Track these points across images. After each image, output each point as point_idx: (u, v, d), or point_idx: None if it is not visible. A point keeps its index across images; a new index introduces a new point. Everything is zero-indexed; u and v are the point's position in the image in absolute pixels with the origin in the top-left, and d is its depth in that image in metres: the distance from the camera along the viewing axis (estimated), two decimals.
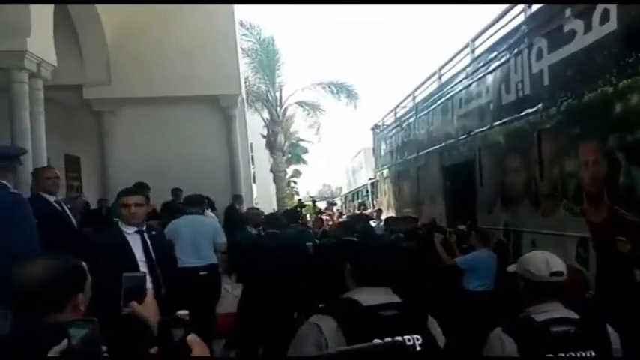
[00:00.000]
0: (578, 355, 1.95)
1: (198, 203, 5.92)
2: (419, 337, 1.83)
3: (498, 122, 5.59)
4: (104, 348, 1.26)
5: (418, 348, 1.82)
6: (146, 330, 1.57)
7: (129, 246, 3.32)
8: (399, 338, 1.79)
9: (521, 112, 5.07)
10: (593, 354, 1.96)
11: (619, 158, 3.71)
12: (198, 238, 5.50)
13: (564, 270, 2.14)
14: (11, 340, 1.46)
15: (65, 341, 1.22)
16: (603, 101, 3.86)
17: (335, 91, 18.91)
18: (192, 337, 1.23)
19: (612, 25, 3.73)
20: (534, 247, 4.51)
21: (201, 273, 5.36)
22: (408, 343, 1.81)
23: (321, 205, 22.61)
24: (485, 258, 5.14)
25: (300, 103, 20.16)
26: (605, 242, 3.89)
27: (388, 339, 1.77)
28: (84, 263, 1.64)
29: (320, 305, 1.99)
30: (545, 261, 2.14)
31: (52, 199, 3.96)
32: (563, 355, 1.95)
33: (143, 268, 3.19)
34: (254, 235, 5.99)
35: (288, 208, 17.06)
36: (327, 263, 4.61)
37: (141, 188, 5.12)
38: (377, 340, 1.76)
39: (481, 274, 5.06)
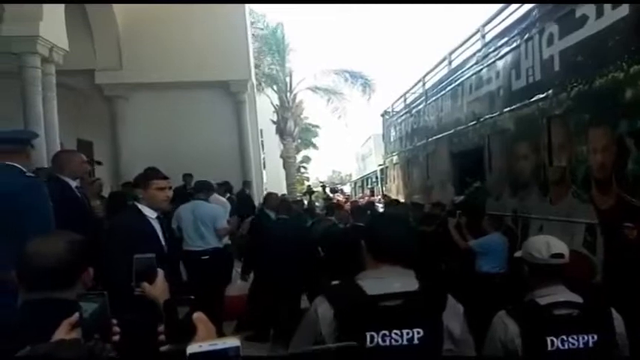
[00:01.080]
0: (581, 338, 1.96)
1: (204, 189, 6.04)
2: (420, 330, 1.77)
3: (508, 108, 5.57)
4: (114, 321, 1.29)
5: (415, 342, 1.76)
6: (156, 310, 1.58)
7: (156, 232, 3.24)
8: (396, 332, 1.75)
9: (532, 98, 5.04)
10: (596, 337, 1.96)
11: (628, 145, 3.69)
12: (200, 223, 5.64)
13: (566, 252, 2.15)
14: (22, 316, 1.50)
15: (76, 314, 1.26)
16: (614, 87, 3.83)
17: (349, 78, 18.77)
18: (197, 316, 1.25)
19: (624, 10, 3.69)
20: (542, 233, 4.51)
21: (203, 257, 5.48)
22: (407, 337, 1.75)
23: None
24: (497, 241, 5.21)
25: (313, 89, 20.01)
26: (612, 228, 3.89)
27: (384, 332, 1.75)
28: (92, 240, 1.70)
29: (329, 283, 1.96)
30: (546, 244, 2.16)
31: (73, 183, 3.97)
32: (565, 337, 1.95)
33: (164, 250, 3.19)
34: (273, 220, 6.06)
35: (299, 194, 17.14)
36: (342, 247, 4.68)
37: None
38: (371, 334, 1.74)
39: (494, 256, 5.12)
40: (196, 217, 5.65)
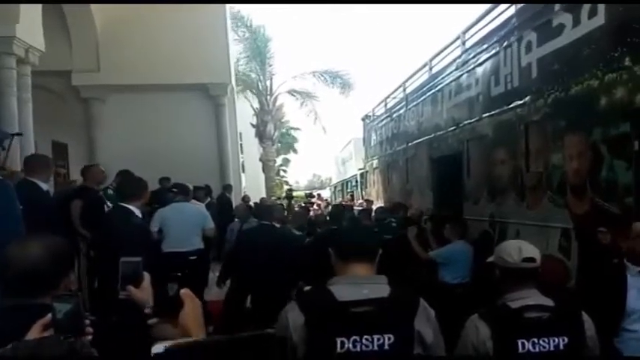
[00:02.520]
0: (552, 340, 1.99)
1: (184, 192, 6.02)
2: (391, 336, 1.78)
3: (487, 114, 5.64)
4: (87, 322, 1.31)
5: (386, 347, 1.77)
6: (142, 313, 1.60)
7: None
8: (367, 337, 1.76)
9: (510, 105, 5.12)
10: (566, 340, 2.00)
11: (603, 151, 3.77)
12: (186, 225, 5.60)
13: (537, 257, 2.19)
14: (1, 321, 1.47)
15: (49, 315, 1.27)
16: (589, 95, 3.91)
17: (329, 80, 18.81)
18: (185, 291, 1.31)
19: (600, 19, 3.77)
20: (519, 237, 4.57)
21: (190, 258, 5.48)
22: (377, 343, 1.77)
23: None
24: (460, 250, 5.15)
25: (291, 92, 20.04)
26: (587, 233, 3.97)
27: (355, 337, 1.76)
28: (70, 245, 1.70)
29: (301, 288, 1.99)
30: (517, 248, 2.20)
31: (44, 186, 3.93)
32: (536, 340, 1.98)
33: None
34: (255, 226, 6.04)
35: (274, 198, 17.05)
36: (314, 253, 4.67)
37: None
38: (340, 339, 1.75)
39: (457, 266, 5.07)
40: (183, 219, 5.64)
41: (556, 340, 1.99)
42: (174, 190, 6.19)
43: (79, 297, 1.31)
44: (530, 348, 1.98)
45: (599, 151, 3.80)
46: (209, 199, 8.37)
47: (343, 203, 11.18)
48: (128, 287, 1.65)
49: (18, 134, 5.89)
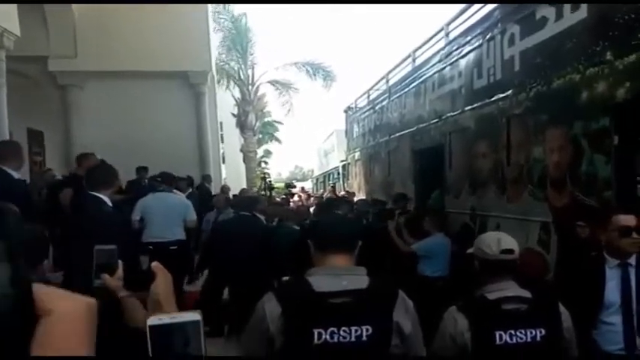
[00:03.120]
0: (529, 332, 2.01)
1: (168, 181, 5.96)
2: (369, 327, 1.78)
3: (469, 107, 5.64)
4: None
5: (364, 339, 1.77)
6: (117, 301, 1.59)
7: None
8: (344, 329, 1.76)
9: (492, 98, 5.12)
10: (543, 332, 2.02)
11: (583, 145, 3.79)
12: (169, 215, 5.56)
13: (516, 248, 2.20)
14: None
15: None
16: (570, 89, 3.92)
17: (311, 71, 18.68)
18: (155, 264, 1.31)
19: (583, 13, 3.78)
20: (499, 230, 4.59)
21: (171, 248, 5.44)
22: (355, 334, 1.77)
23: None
24: (440, 243, 5.16)
25: (272, 82, 19.89)
26: (566, 227, 4.00)
27: (332, 329, 1.75)
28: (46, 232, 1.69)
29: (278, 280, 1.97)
30: (496, 240, 2.20)
31: (15, 174, 3.82)
32: (513, 332, 2.00)
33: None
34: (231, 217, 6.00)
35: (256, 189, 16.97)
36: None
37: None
38: (318, 330, 1.74)
39: (437, 259, 5.08)
40: (166, 209, 5.59)
41: (533, 331, 2.01)
42: (159, 179, 6.12)
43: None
44: (508, 339, 2.00)
45: (580, 145, 3.82)
46: (190, 189, 8.26)
47: (341, 195, 11.11)
48: (103, 275, 1.63)
49: None
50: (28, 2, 6.96)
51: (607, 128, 3.57)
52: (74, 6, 9.91)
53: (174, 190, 6.56)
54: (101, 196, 3.42)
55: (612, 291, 2.71)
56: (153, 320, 0.98)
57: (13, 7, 6.64)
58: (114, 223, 3.42)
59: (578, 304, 2.25)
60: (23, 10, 6.99)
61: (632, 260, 2.71)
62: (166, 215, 5.64)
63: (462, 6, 6.16)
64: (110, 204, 3.50)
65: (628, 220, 2.74)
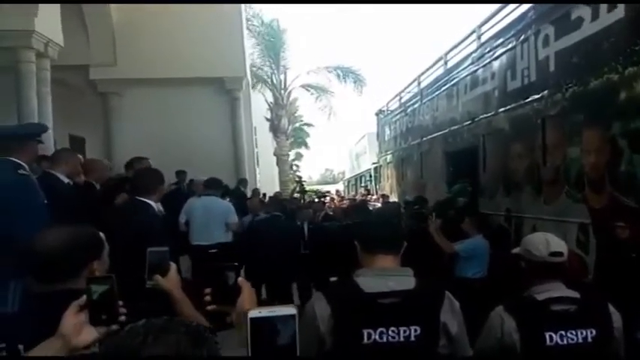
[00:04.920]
0: (580, 333, 1.97)
1: (215, 185, 6.10)
2: (417, 328, 1.79)
3: (503, 108, 5.61)
4: (120, 303, 1.35)
5: (412, 339, 1.79)
6: (169, 302, 1.66)
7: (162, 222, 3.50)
8: (393, 329, 1.78)
9: (527, 99, 5.08)
10: (594, 332, 1.98)
11: (621, 145, 3.74)
12: (210, 219, 5.68)
13: (564, 250, 2.17)
14: (27, 309, 1.55)
15: (84, 296, 1.31)
16: (608, 89, 3.87)
17: (342, 75, 18.74)
18: (241, 280, 1.40)
19: (620, 13, 3.73)
20: (535, 232, 4.55)
21: (210, 251, 5.56)
22: (404, 334, 1.78)
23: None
24: (481, 245, 5.13)
25: (305, 87, 20.02)
26: (605, 228, 3.94)
27: (381, 329, 1.77)
28: (101, 233, 1.75)
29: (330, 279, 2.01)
30: (545, 241, 2.18)
31: (65, 179, 4.00)
32: (563, 333, 1.97)
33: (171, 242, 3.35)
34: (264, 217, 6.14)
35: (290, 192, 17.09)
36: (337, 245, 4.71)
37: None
38: (367, 331, 1.77)
39: (477, 261, 5.06)
40: (207, 213, 5.73)
41: (584, 332, 1.98)
42: (206, 184, 6.27)
43: (114, 279, 1.35)
44: (559, 340, 1.97)
45: (618, 145, 3.76)
46: (227, 198, 8.38)
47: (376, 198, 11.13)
48: (155, 276, 1.69)
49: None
50: (64, 2, 7.20)
51: None
52: (114, 15, 10.24)
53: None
54: (148, 201, 3.48)
55: None
56: (253, 313, 1.06)
57: (57, 17, 6.93)
58: (160, 227, 3.48)
59: (624, 304, 2.22)
60: (65, 20, 7.28)
61: None
62: (208, 218, 5.77)
63: (493, 8, 6.13)
64: (157, 209, 3.57)
65: None
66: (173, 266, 1.75)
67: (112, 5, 10.14)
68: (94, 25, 10.26)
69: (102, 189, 4.84)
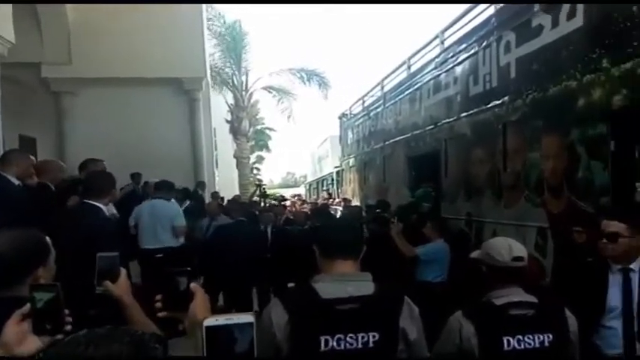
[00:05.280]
0: (537, 337, 1.99)
1: (165, 188, 5.95)
2: (375, 334, 1.78)
3: (465, 113, 5.68)
4: (66, 312, 1.32)
5: (371, 345, 1.77)
6: (119, 308, 1.63)
7: (114, 226, 3.44)
8: (351, 335, 1.76)
9: (488, 104, 5.15)
10: (551, 337, 2.00)
11: (579, 151, 3.82)
12: (157, 222, 5.55)
13: (525, 256, 2.18)
14: None
15: (28, 305, 1.27)
16: (567, 96, 3.96)
17: (306, 77, 18.68)
18: (194, 285, 1.37)
19: (578, 21, 3.82)
20: (495, 236, 4.60)
21: (157, 256, 5.43)
22: (362, 340, 1.77)
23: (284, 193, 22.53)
24: (441, 249, 5.16)
25: (267, 88, 19.88)
26: (562, 232, 4.02)
27: (339, 336, 1.75)
28: (47, 238, 1.70)
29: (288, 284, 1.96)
30: (507, 247, 2.18)
31: (16, 181, 3.80)
32: (521, 337, 1.98)
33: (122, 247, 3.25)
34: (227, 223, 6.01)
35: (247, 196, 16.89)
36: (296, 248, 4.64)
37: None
38: (325, 337, 1.74)
39: (438, 265, 5.08)
40: (154, 216, 5.57)
41: (541, 336, 1.99)
42: (157, 186, 6.13)
43: (59, 287, 1.31)
44: (516, 345, 1.98)
45: (577, 151, 3.85)
46: (188, 201, 8.17)
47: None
48: (105, 282, 1.65)
49: None
50: (19, 2, 6.87)
51: (604, 134, 3.60)
52: (68, 12, 9.86)
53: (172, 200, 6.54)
54: (99, 204, 3.39)
55: (614, 296, 2.72)
56: (209, 321, 1.02)
57: (8, 13, 6.58)
58: (111, 231, 3.40)
59: (580, 308, 2.25)
60: (17, 16, 6.92)
61: (635, 265, 2.72)
62: (154, 222, 5.64)
63: (457, 13, 6.21)
64: (107, 213, 3.49)
65: (611, 225, 2.73)
66: (123, 272, 1.71)
67: (68, 4, 9.74)
68: (48, 24, 9.83)
69: (55, 191, 4.64)
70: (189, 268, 1.43)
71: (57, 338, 1.25)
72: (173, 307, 1.37)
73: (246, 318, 1.05)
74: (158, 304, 1.40)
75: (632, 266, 2.72)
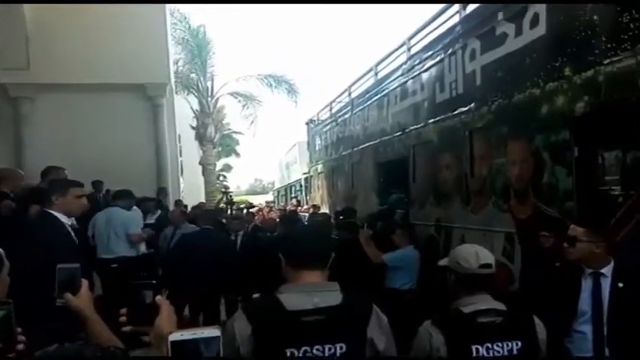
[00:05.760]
0: (505, 345, 1.99)
1: (124, 197, 5.81)
2: (343, 345, 1.75)
3: (432, 120, 5.72)
4: (19, 330, 1.28)
5: (338, 356, 1.74)
6: (80, 321, 1.57)
7: (73, 239, 3.28)
8: (318, 347, 1.73)
9: (454, 111, 5.20)
10: (519, 344, 2.00)
11: (544, 157, 3.89)
12: (112, 231, 5.43)
13: (493, 263, 2.18)
14: None
15: None
16: (531, 103, 4.03)
17: (273, 84, 18.57)
18: (159, 298, 1.33)
19: (541, 29, 3.89)
20: (463, 242, 4.63)
21: (112, 265, 5.30)
22: (329, 352, 1.73)
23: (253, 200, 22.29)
24: (410, 255, 5.15)
25: (233, 94, 19.68)
26: (529, 237, 4.07)
27: (305, 348, 1.72)
28: (1, 250, 1.64)
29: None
30: (474, 254, 2.17)
31: None
32: (490, 345, 1.97)
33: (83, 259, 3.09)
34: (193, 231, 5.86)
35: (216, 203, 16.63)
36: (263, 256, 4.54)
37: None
38: (290, 350, 1.71)
39: (407, 272, 5.07)
40: (109, 225, 5.42)
41: (510, 344, 1.99)
42: (115, 195, 5.97)
43: (11, 305, 1.27)
44: (484, 353, 1.97)
45: (541, 157, 3.91)
46: (159, 211, 7.95)
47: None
48: (65, 295, 1.59)
49: None
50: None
51: (567, 141, 3.67)
52: (27, 17, 9.53)
53: (135, 208, 6.37)
54: (55, 213, 3.26)
55: (584, 300, 2.76)
56: (175, 336, 1.01)
57: None
58: (70, 241, 3.28)
59: (553, 312, 2.26)
60: None
61: (606, 270, 2.76)
62: (109, 231, 5.53)
63: (423, 20, 6.27)
64: (66, 222, 3.33)
65: (571, 229, 2.81)
66: (85, 283, 1.65)
67: (25, 5, 9.41)
68: (4, 26, 9.47)
69: (14, 199, 4.46)
70: (154, 282, 1.40)
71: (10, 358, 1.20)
72: (138, 320, 1.33)
73: (212, 332, 1.03)
74: (123, 318, 1.36)
75: (603, 271, 2.76)
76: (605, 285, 2.73)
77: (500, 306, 2.11)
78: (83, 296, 1.62)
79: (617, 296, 2.69)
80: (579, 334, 2.76)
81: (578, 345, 2.76)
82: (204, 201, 15.24)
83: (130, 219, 5.82)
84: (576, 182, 3.61)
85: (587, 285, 2.78)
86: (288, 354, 1.71)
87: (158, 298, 1.35)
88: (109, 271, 5.35)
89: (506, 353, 1.98)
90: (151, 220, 7.24)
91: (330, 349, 1.74)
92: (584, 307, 2.75)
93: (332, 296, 1.84)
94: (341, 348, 1.74)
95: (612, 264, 2.77)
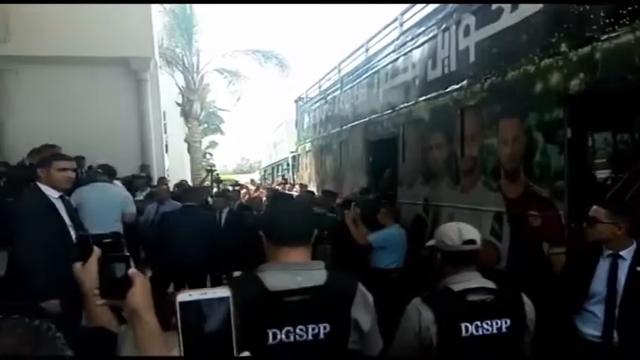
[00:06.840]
0: (495, 323, 1.99)
1: (108, 173, 5.69)
2: (326, 325, 1.71)
3: (423, 98, 5.63)
4: None
5: (322, 337, 1.70)
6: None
7: (59, 212, 3.31)
8: (301, 327, 1.68)
9: (446, 89, 5.12)
10: (508, 322, 2.01)
11: (536, 136, 3.84)
12: (106, 207, 5.29)
13: (478, 239, 2.16)
14: None
15: None
16: (525, 80, 3.95)
17: (262, 59, 18.23)
18: (133, 271, 1.27)
19: (538, 4, 3.80)
20: (453, 221, 4.60)
21: (105, 241, 5.16)
22: (312, 332, 1.69)
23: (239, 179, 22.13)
24: (395, 235, 5.11)
25: (219, 70, 19.32)
26: (519, 217, 4.04)
27: (288, 328, 1.67)
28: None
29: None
30: (457, 230, 2.16)
31: None
32: (479, 323, 1.98)
33: (72, 232, 3.21)
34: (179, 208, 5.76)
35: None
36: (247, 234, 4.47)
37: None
38: (272, 331, 1.66)
39: (392, 251, 5.04)
40: (103, 200, 5.30)
41: (499, 322, 2.00)
42: (100, 170, 5.86)
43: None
44: (474, 331, 1.98)
45: (533, 136, 3.86)
46: (149, 188, 7.82)
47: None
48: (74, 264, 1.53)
49: None
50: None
51: (560, 120, 3.62)
52: None
53: (115, 182, 6.24)
54: (42, 187, 3.32)
55: (599, 281, 2.74)
56: (183, 297, 0.96)
57: None
58: (51, 213, 3.31)
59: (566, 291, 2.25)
60: None
61: (625, 253, 2.72)
62: (103, 207, 5.37)
63: None
64: (55, 196, 3.37)
65: (593, 210, 2.79)
66: (96, 252, 1.56)
67: None
68: None
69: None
70: (127, 254, 1.35)
71: None
72: (111, 294, 1.28)
73: (222, 292, 0.99)
74: (95, 292, 1.31)
75: (622, 253, 2.73)
76: (623, 267, 2.71)
77: (490, 284, 2.11)
78: (90, 267, 1.54)
79: (634, 280, 2.67)
80: (590, 314, 2.76)
81: (586, 323, 2.76)
82: (186, 179, 15.10)
83: (127, 197, 5.76)
84: (568, 162, 3.57)
85: (604, 265, 2.76)
86: (271, 334, 1.66)
87: (131, 271, 1.28)
88: (102, 246, 5.24)
89: (495, 331, 1.99)
90: (140, 197, 7.13)
91: (313, 329, 1.70)
92: (597, 288, 2.74)
93: (317, 275, 1.78)
94: (325, 328, 1.71)
95: (634, 246, 2.75)
